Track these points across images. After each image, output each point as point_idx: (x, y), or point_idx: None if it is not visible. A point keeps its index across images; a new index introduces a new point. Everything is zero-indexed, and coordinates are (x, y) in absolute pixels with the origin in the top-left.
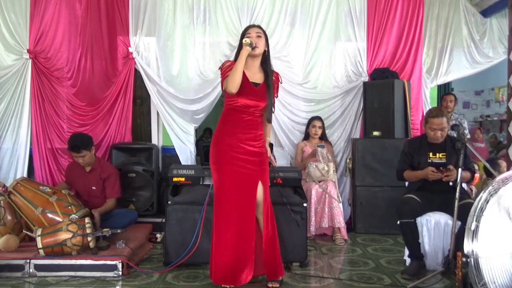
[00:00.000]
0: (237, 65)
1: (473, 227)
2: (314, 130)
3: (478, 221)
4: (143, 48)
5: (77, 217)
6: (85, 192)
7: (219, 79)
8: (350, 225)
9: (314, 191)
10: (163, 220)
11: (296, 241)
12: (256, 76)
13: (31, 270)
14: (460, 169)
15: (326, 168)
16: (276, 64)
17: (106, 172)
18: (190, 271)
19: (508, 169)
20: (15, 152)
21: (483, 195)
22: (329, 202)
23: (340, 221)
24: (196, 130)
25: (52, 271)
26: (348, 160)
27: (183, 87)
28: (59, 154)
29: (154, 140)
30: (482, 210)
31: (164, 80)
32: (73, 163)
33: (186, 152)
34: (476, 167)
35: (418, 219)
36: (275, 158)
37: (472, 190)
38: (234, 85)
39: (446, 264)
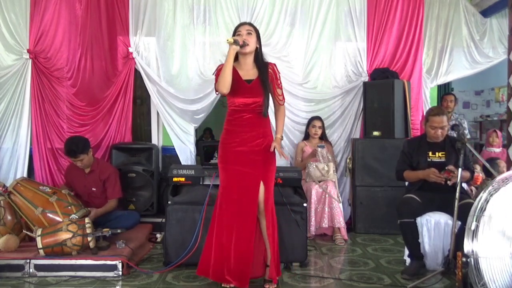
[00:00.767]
0: (225, 64)
1: (473, 227)
2: (314, 130)
3: (478, 221)
4: (143, 48)
5: (77, 217)
6: (85, 193)
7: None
8: (350, 225)
9: (314, 191)
10: (163, 220)
11: (296, 241)
12: (250, 73)
13: (31, 270)
14: (460, 169)
15: (326, 168)
16: (276, 64)
17: (106, 173)
18: (190, 271)
19: (508, 169)
20: (15, 152)
21: (483, 195)
22: (329, 202)
23: (340, 221)
24: (196, 130)
25: (52, 271)
26: (348, 160)
27: (183, 87)
28: (59, 154)
29: (154, 140)
30: (482, 210)
31: (164, 80)
32: (72, 165)
33: (186, 152)
34: (478, 167)
35: (418, 219)
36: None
37: (472, 191)
38: (225, 85)
39: (446, 264)
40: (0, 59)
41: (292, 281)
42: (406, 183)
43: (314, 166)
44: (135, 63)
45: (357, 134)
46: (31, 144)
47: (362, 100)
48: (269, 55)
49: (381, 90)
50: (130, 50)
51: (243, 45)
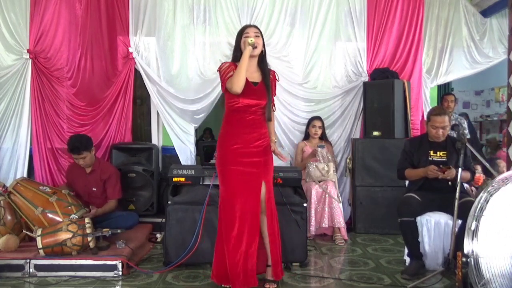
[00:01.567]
0: (242, 64)
1: (473, 227)
2: (314, 130)
3: (478, 221)
4: (143, 48)
5: (77, 217)
6: (85, 193)
7: (219, 80)
8: (350, 225)
9: (314, 191)
10: (163, 220)
11: (296, 241)
12: (254, 75)
13: (31, 270)
14: (460, 169)
15: (326, 168)
16: (276, 64)
17: (107, 173)
18: (190, 271)
19: (508, 169)
20: (15, 152)
21: (483, 195)
22: (329, 202)
23: (340, 221)
24: (196, 130)
25: (52, 271)
26: (348, 160)
27: (183, 87)
28: (59, 154)
29: (154, 140)
30: (482, 210)
31: (164, 80)
32: (73, 165)
33: (186, 152)
34: (479, 168)
35: (418, 219)
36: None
37: (472, 191)
38: (239, 84)
39: (446, 264)
40: (0, 59)
41: (292, 281)
42: (407, 183)
43: (314, 166)
44: (135, 63)
45: (357, 134)
46: (31, 144)
47: (362, 100)
48: (269, 55)
49: (381, 90)
50: (130, 50)
51: (255, 47)
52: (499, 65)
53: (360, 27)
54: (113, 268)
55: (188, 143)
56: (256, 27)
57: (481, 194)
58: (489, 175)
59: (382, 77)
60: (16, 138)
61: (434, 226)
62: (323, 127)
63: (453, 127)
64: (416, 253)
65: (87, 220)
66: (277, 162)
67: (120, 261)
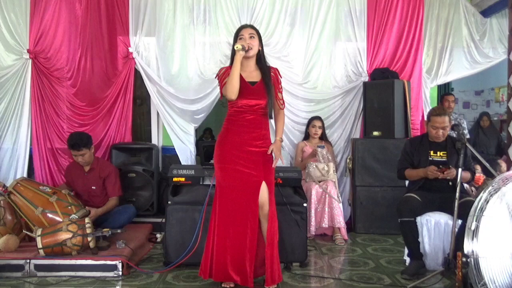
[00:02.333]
0: (233, 71)
1: (473, 227)
2: (314, 130)
3: (478, 221)
4: (143, 48)
5: (77, 217)
6: (85, 192)
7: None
8: (350, 225)
9: (314, 191)
10: (163, 220)
11: (296, 241)
12: (253, 75)
13: (31, 270)
14: (460, 169)
15: (326, 168)
16: (276, 64)
17: (106, 171)
18: (190, 271)
19: (508, 169)
20: (15, 152)
21: (483, 195)
22: (329, 202)
23: (340, 221)
24: (196, 130)
25: (52, 271)
26: (348, 160)
27: (183, 87)
28: (59, 154)
29: (154, 140)
30: (482, 210)
31: (164, 80)
32: (72, 164)
33: (186, 152)
34: (478, 168)
35: (418, 219)
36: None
37: (472, 191)
38: (233, 91)
39: (446, 264)
40: (0, 59)
41: (292, 281)
42: (407, 183)
43: (314, 166)
44: (135, 63)
45: (357, 134)
46: (31, 144)
47: (362, 100)
48: (269, 55)
49: (381, 90)
50: (130, 50)
51: (248, 49)
52: (499, 65)
53: (360, 27)
54: (113, 268)
55: (188, 143)
56: (251, 27)
57: (481, 194)
58: (489, 175)
59: (382, 77)
60: (16, 138)
61: (434, 226)
62: (323, 127)
63: (453, 127)
64: (416, 253)
65: (87, 220)
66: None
67: (120, 261)
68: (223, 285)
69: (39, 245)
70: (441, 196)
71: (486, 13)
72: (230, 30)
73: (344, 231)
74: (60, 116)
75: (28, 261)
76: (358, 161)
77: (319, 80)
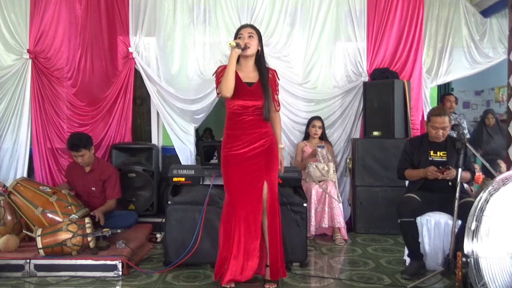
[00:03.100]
0: (228, 68)
1: (473, 227)
2: (314, 130)
3: (478, 221)
4: (143, 48)
5: (77, 217)
6: (84, 192)
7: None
8: (350, 225)
9: (314, 191)
10: (163, 220)
11: (296, 241)
12: (250, 76)
13: (31, 270)
14: (460, 169)
15: (326, 168)
16: (276, 64)
17: (106, 173)
18: (190, 271)
19: (508, 169)
20: (15, 152)
21: (483, 195)
22: (329, 202)
23: (340, 221)
24: (197, 130)
25: (52, 271)
26: (348, 160)
27: (183, 87)
28: (59, 154)
29: (154, 140)
30: (482, 210)
31: (164, 80)
32: (73, 164)
33: (186, 152)
34: (477, 167)
35: (418, 219)
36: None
37: (472, 190)
38: (228, 89)
39: (446, 264)
40: (0, 59)
41: (292, 281)
42: (407, 183)
43: (314, 166)
44: (135, 63)
45: (357, 134)
46: (31, 144)
47: (362, 100)
48: (269, 55)
49: (381, 90)
50: (130, 50)
51: (245, 48)
52: (499, 65)
53: (360, 27)
54: (113, 268)
55: (188, 143)
56: (251, 26)
57: (481, 194)
58: (489, 175)
59: (382, 77)
60: (16, 138)
61: (434, 226)
62: (323, 127)
63: (453, 127)
64: (417, 253)
65: (87, 220)
66: None
67: (120, 261)
68: (223, 285)
69: (39, 245)
70: (441, 196)
71: (486, 13)
72: (230, 30)
73: (344, 231)
74: (60, 116)
75: (28, 261)
76: (358, 161)
77: (319, 80)
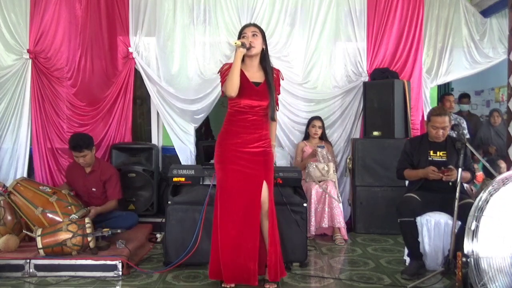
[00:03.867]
0: (233, 68)
1: (473, 227)
2: (314, 130)
3: (478, 221)
4: (143, 48)
5: (77, 217)
6: (85, 193)
7: (219, 79)
8: (350, 225)
9: (314, 191)
10: (163, 220)
11: (296, 241)
12: (256, 75)
13: (31, 270)
14: (460, 169)
15: (326, 168)
16: (276, 64)
17: (107, 174)
18: (190, 271)
19: (508, 169)
20: (15, 152)
21: (483, 195)
22: (329, 202)
23: (340, 221)
24: (196, 130)
25: (52, 271)
26: (348, 160)
27: (183, 87)
28: (59, 154)
29: (154, 140)
30: (482, 210)
31: (164, 80)
32: (73, 164)
33: (186, 152)
34: (475, 166)
35: (418, 219)
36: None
37: (472, 190)
38: (233, 88)
39: (446, 264)
40: (0, 59)
41: (292, 281)
42: (407, 183)
43: (314, 166)
44: (135, 63)
45: (357, 134)
46: (31, 144)
47: (362, 100)
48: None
49: (381, 90)
50: (130, 50)
51: (250, 47)
52: (499, 65)
53: (360, 27)
54: (113, 268)
55: (188, 143)
56: (255, 25)
57: (481, 194)
58: (489, 175)
59: (382, 77)
60: (16, 138)
61: (434, 226)
62: (323, 127)
63: (453, 127)
64: (416, 253)
65: (87, 220)
66: (277, 162)
67: (120, 261)
68: (223, 285)
69: (39, 245)
70: (441, 196)
71: (486, 13)
72: (230, 30)
73: (344, 231)
74: (60, 116)
75: (28, 261)
76: (358, 161)
77: (319, 80)
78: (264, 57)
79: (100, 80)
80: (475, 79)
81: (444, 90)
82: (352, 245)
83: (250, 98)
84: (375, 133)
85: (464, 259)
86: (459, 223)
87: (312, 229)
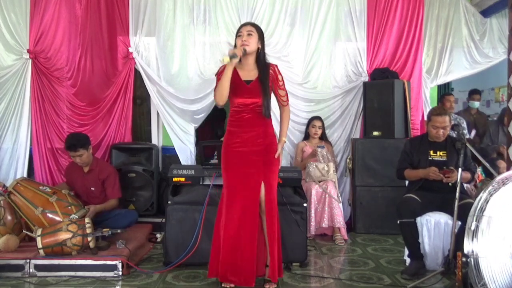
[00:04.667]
0: (222, 79)
1: (473, 227)
2: (314, 130)
3: (478, 221)
4: (143, 48)
5: (77, 217)
6: (84, 193)
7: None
8: (350, 225)
9: (314, 191)
10: (163, 220)
11: (296, 241)
12: (251, 74)
13: (31, 270)
14: (460, 169)
15: (326, 168)
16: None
17: (105, 173)
18: (190, 271)
19: (508, 169)
20: (15, 152)
21: (483, 195)
22: (329, 202)
23: (340, 221)
24: (196, 130)
25: (52, 271)
26: (348, 160)
27: (183, 87)
28: (59, 154)
29: (154, 140)
30: (482, 210)
31: (164, 80)
32: (72, 164)
33: (186, 152)
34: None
35: (418, 219)
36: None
37: (472, 190)
38: (221, 98)
39: (446, 264)
40: (0, 59)
41: (292, 281)
42: (407, 183)
43: (314, 166)
44: (135, 63)
45: (357, 134)
46: (31, 144)
47: (362, 100)
48: (269, 55)
49: (381, 90)
50: (130, 50)
51: (244, 53)
52: (499, 65)
53: (360, 27)
54: (113, 268)
55: (188, 143)
56: (251, 24)
57: (481, 194)
58: (489, 175)
59: (382, 77)
60: (16, 138)
61: (434, 226)
62: (323, 127)
63: (453, 127)
64: (417, 253)
65: (87, 220)
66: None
67: (120, 261)
68: (223, 285)
69: (39, 245)
70: (441, 196)
71: (486, 13)
72: (230, 30)
73: (344, 231)
74: (60, 116)
75: (28, 261)
76: (358, 161)
77: (319, 80)
78: (259, 56)
79: (100, 80)
80: (475, 79)
81: (444, 90)
82: (352, 245)
83: (242, 96)
84: (375, 133)
85: (464, 259)
86: (459, 223)
87: (312, 229)
